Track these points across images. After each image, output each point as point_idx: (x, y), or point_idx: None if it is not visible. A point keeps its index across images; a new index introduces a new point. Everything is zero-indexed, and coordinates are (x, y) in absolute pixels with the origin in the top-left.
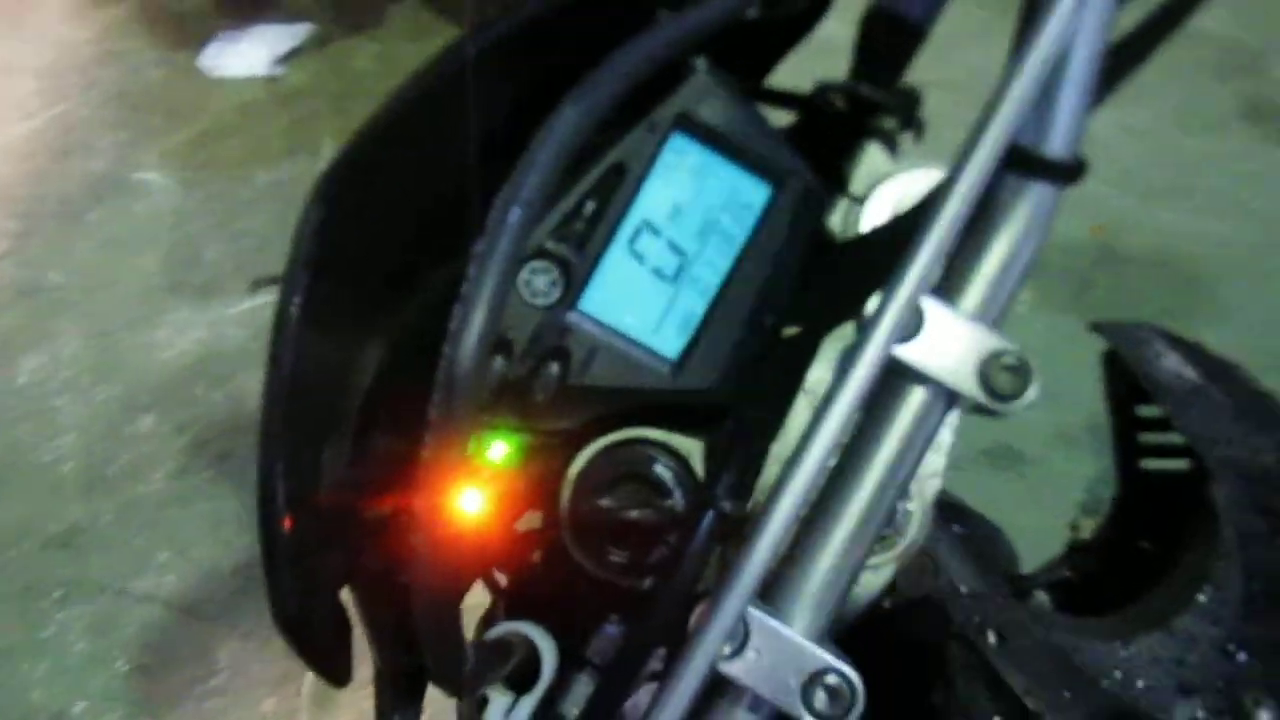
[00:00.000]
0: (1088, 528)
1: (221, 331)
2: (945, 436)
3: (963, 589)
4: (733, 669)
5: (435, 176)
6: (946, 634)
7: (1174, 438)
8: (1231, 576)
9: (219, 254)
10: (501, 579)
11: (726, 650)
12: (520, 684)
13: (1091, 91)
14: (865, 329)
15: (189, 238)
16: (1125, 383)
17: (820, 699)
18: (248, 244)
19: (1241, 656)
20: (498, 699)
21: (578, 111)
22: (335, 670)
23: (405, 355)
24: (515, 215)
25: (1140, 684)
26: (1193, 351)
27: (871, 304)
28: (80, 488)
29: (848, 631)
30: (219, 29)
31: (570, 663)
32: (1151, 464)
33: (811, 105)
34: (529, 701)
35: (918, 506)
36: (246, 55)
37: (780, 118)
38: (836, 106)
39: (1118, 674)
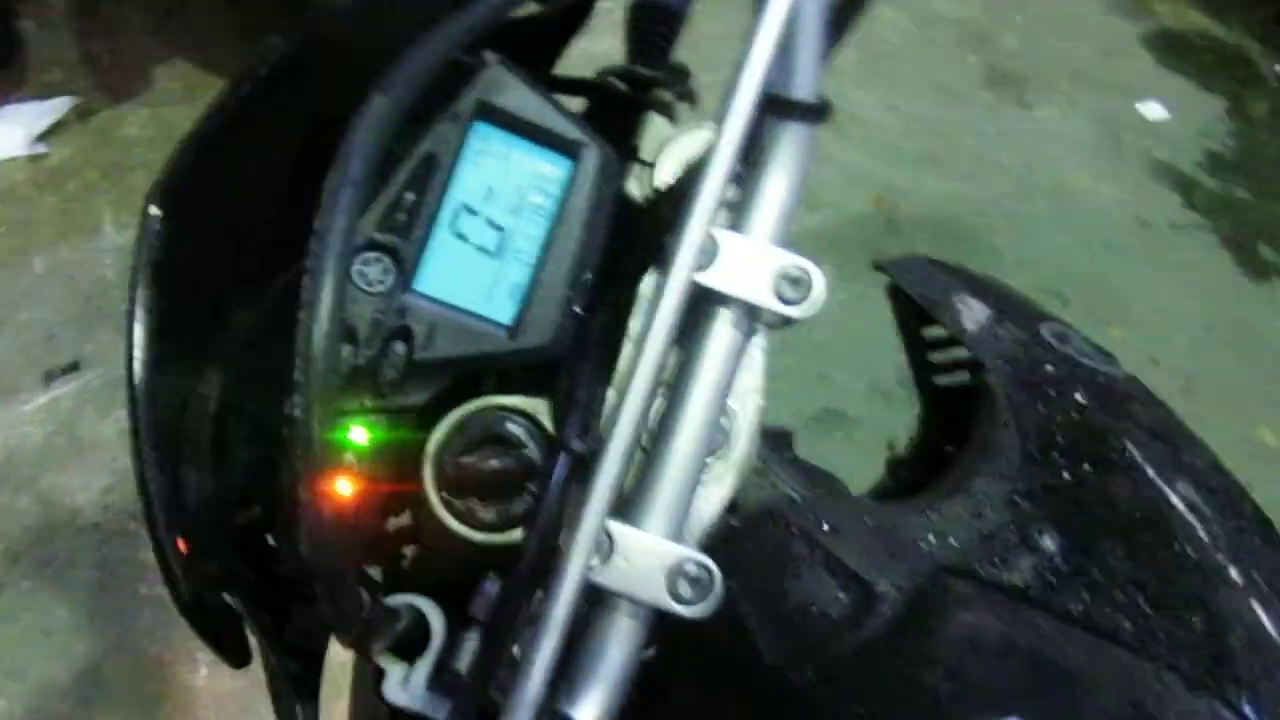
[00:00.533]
0: (902, 445)
1: (20, 432)
2: (757, 356)
3: (797, 497)
4: (604, 578)
5: (260, 185)
6: (788, 534)
7: (957, 352)
8: (1009, 440)
9: (3, 351)
10: (375, 572)
11: (596, 562)
12: (413, 653)
13: (825, 40)
14: (665, 262)
15: None
16: (909, 309)
17: (684, 588)
18: (35, 336)
19: (1025, 504)
20: (393, 669)
21: (386, 99)
22: (232, 653)
23: (252, 360)
24: (345, 195)
25: (951, 540)
26: (955, 271)
27: (671, 242)
28: None
29: (706, 542)
30: None
31: (458, 624)
32: (943, 379)
33: (597, 88)
34: (424, 666)
35: (743, 420)
36: (1, 137)
37: (574, 103)
38: (618, 87)
39: (931, 537)
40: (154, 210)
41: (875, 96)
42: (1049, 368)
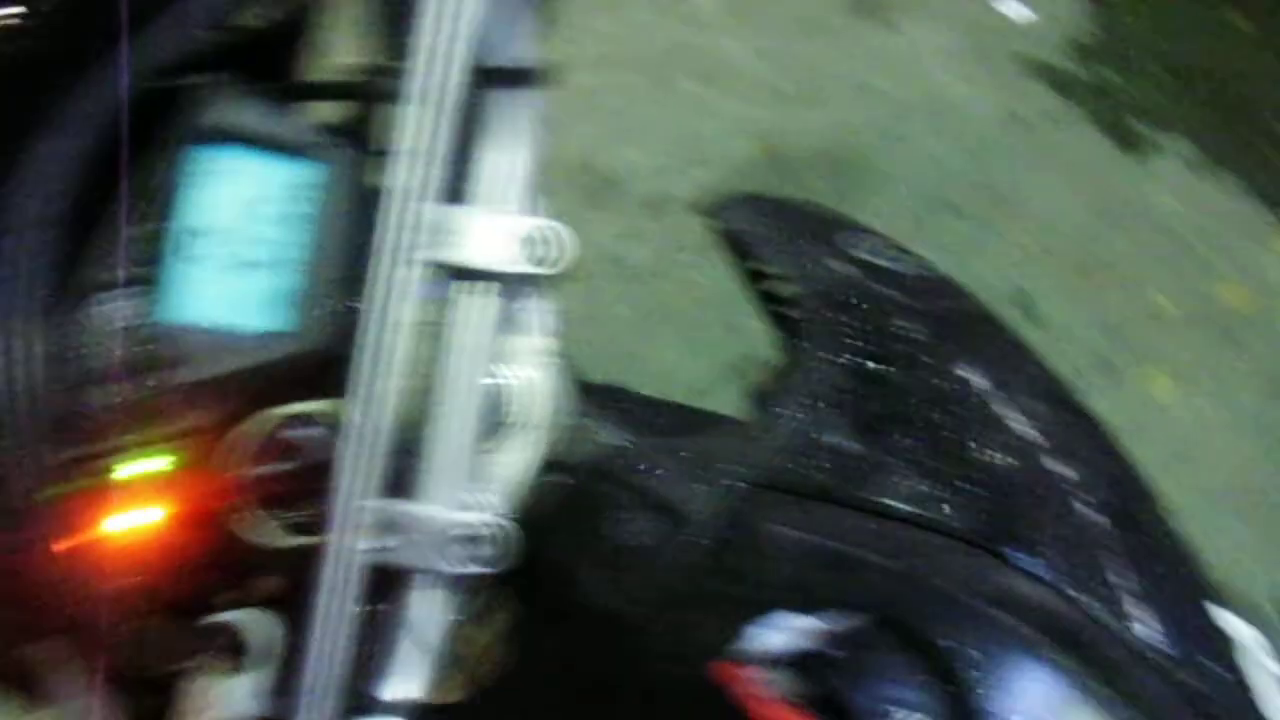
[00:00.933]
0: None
1: None
2: (533, 320)
3: (627, 445)
4: (388, 557)
5: None
6: (605, 482)
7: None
8: (807, 354)
9: None
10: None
11: (376, 543)
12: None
13: (523, 9)
14: (387, 249)
15: None
16: (739, 248)
17: (477, 553)
18: None
19: (823, 409)
20: (221, 684)
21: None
22: None
23: None
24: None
25: (757, 458)
26: (771, 202)
27: (386, 226)
28: None
29: (520, 503)
30: None
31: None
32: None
33: (341, 89)
34: (248, 675)
35: (531, 386)
36: None
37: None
38: (362, 85)
39: (740, 458)
40: None
41: (744, 42)
42: (856, 276)
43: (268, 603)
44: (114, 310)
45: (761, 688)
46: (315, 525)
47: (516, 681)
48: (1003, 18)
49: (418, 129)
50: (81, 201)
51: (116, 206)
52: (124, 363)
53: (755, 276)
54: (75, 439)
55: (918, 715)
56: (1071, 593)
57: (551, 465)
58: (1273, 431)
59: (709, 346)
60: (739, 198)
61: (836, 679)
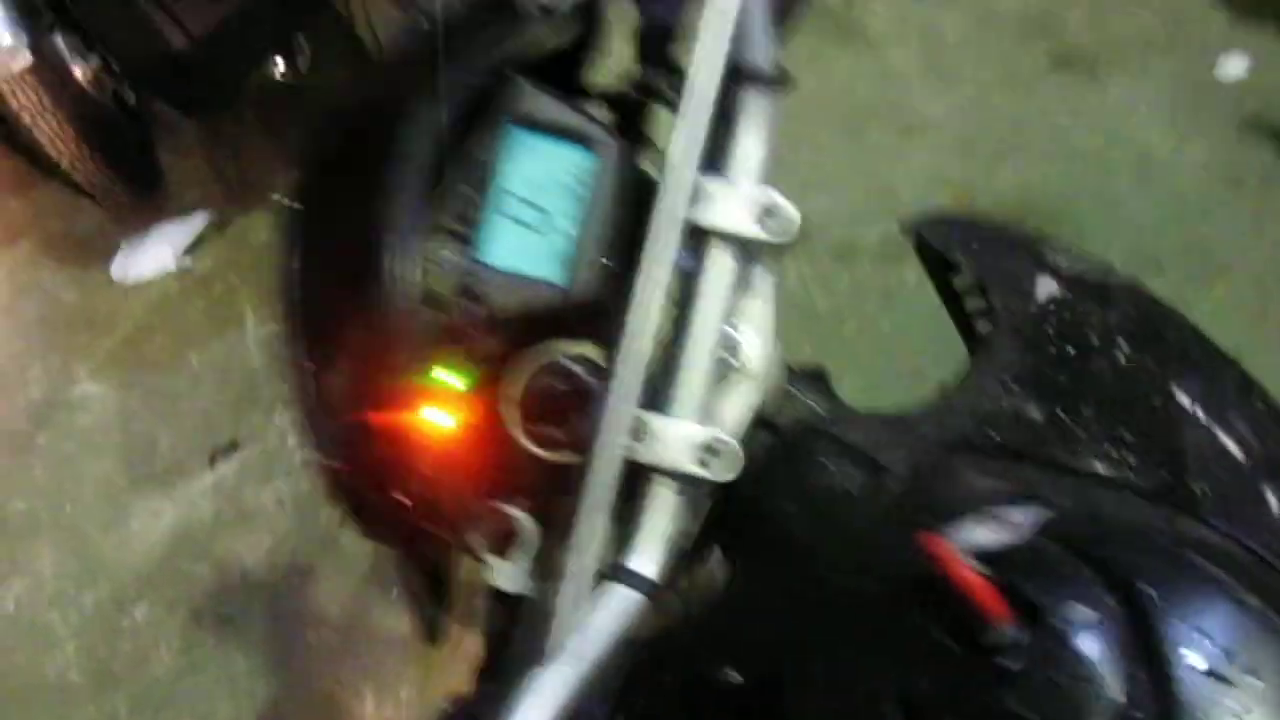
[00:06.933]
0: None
1: (193, 507)
2: (763, 288)
3: (822, 412)
4: (641, 456)
5: None
6: (813, 436)
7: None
8: (1000, 340)
9: (172, 440)
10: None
11: (632, 443)
12: (504, 551)
13: (771, 21)
14: (657, 206)
15: (139, 434)
16: (935, 262)
17: (708, 458)
18: (196, 423)
19: (1016, 386)
20: (495, 563)
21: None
22: None
23: None
24: (404, 179)
25: (951, 424)
26: (967, 218)
27: (660, 189)
28: (90, 691)
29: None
30: (121, 239)
31: (545, 528)
32: (979, 324)
33: (615, 94)
34: (520, 557)
35: (756, 340)
36: (153, 256)
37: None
38: (630, 92)
39: (935, 424)
40: None
41: (941, 97)
42: (1048, 279)
43: (530, 501)
44: (445, 252)
45: (963, 557)
46: (575, 441)
47: (729, 602)
48: (1217, 76)
49: (689, 115)
50: (430, 169)
51: (450, 173)
52: (453, 293)
53: (956, 293)
54: (410, 344)
55: (1095, 615)
56: (1250, 544)
57: (763, 420)
58: None
59: (892, 392)
60: (938, 214)
61: (1023, 577)
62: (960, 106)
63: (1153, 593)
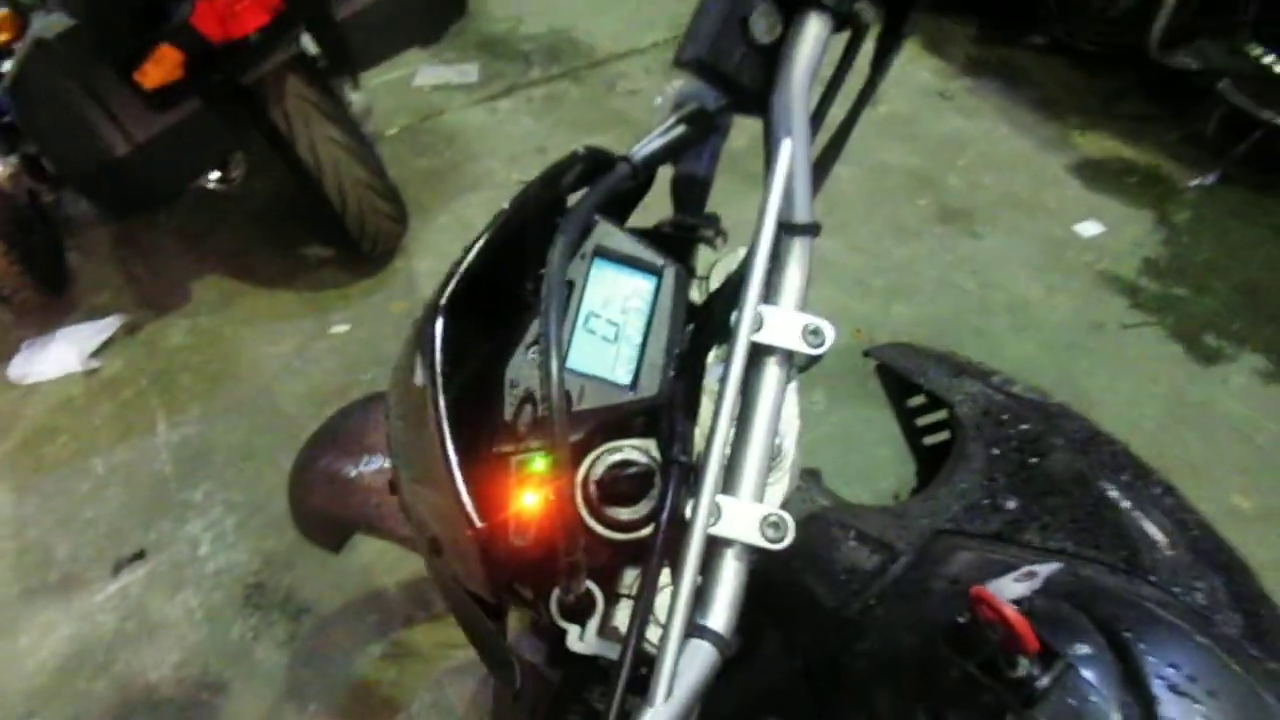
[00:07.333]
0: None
1: (93, 620)
2: (792, 397)
3: (829, 504)
4: (718, 530)
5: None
6: (828, 524)
7: (937, 415)
8: (976, 449)
9: (71, 549)
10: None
11: (712, 520)
12: (580, 618)
13: (813, 184)
14: (734, 330)
15: (35, 541)
16: (894, 383)
17: (770, 531)
18: (100, 531)
19: (991, 484)
20: (571, 628)
21: (565, 238)
22: None
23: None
24: (556, 300)
25: (942, 513)
26: (919, 349)
27: (734, 317)
28: None
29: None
30: (22, 340)
31: (610, 598)
32: (929, 439)
33: (661, 233)
34: (593, 623)
35: (789, 439)
36: (56, 358)
37: None
38: (673, 232)
39: (929, 514)
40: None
41: (841, 242)
42: (999, 399)
43: (596, 575)
44: (535, 359)
45: (1001, 600)
46: (638, 525)
47: (765, 662)
48: (1078, 234)
49: (749, 259)
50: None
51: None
52: (543, 394)
53: (910, 410)
54: (513, 440)
55: (1094, 652)
56: (1187, 601)
57: (788, 504)
58: None
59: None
60: (901, 345)
61: (1039, 622)
62: (856, 249)
63: (1131, 636)
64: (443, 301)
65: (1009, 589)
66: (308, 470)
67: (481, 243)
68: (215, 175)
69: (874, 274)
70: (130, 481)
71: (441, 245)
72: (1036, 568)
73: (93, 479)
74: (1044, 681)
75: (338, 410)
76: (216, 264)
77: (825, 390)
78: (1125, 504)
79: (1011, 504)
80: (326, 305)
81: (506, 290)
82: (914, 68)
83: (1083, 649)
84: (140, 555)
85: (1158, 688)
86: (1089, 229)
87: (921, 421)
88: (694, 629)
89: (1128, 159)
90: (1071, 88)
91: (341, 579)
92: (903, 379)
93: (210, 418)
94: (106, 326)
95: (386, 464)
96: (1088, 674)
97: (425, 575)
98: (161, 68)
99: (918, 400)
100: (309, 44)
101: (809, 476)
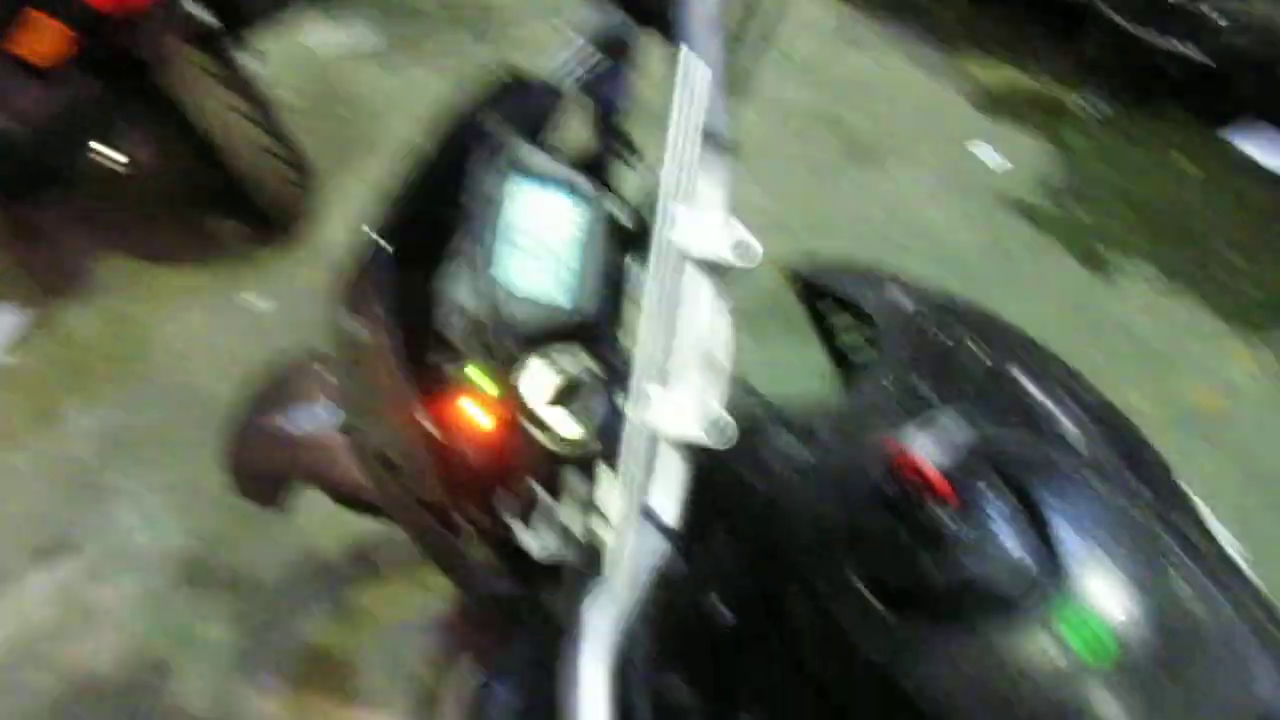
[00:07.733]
0: None
1: (28, 615)
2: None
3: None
4: (663, 429)
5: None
6: (761, 414)
7: (844, 317)
8: (890, 345)
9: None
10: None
11: (655, 420)
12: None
13: (725, 100)
14: (656, 238)
15: None
16: (811, 294)
17: (713, 432)
18: (21, 526)
19: (909, 369)
20: (520, 526)
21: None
22: None
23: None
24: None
25: (862, 406)
26: (830, 263)
27: (656, 225)
28: None
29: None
30: None
31: (556, 498)
32: (843, 338)
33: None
34: (540, 523)
35: (726, 352)
36: None
37: None
38: (593, 151)
39: (848, 409)
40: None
41: (759, 186)
42: (909, 298)
43: (540, 477)
44: (463, 273)
45: (922, 459)
46: (579, 426)
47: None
48: (980, 161)
49: (672, 166)
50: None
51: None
52: (466, 304)
53: (824, 315)
54: (448, 350)
55: (1003, 503)
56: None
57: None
58: (1251, 520)
59: None
60: (809, 261)
61: (956, 475)
62: (773, 193)
63: (1038, 485)
64: (380, 227)
65: (927, 450)
66: (245, 430)
67: (410, 170)
68: (113, 153)
69: (787, 212)
70: (53, 473)
71: (350, 211)
72: (951, 431)
73: (12, 476)
74: (963, 533)
75: (267, 371)
76: (122, 245)
77: (750, 332)
78: (1029, 383)
79: (928, 390)
80: (238, 278)
81: (434, 217)
82: (813, 6)
83: (996, 501)
84: (71, 546)
85: (1063, 533)
86: (989, 155)
87: (832, 320)
88: (643, 519)
89: (1024, 88)
90: (965, 20)
91: (283, 550)
92: (817, 287)
93: (128, 401)
94: (18, 323)
95: (325, 415)
96: (1001, 524)
97: (368, 537)
98: (45, 39)
99: (824, 305)
100: (200, 10)
101: (741, 384)
